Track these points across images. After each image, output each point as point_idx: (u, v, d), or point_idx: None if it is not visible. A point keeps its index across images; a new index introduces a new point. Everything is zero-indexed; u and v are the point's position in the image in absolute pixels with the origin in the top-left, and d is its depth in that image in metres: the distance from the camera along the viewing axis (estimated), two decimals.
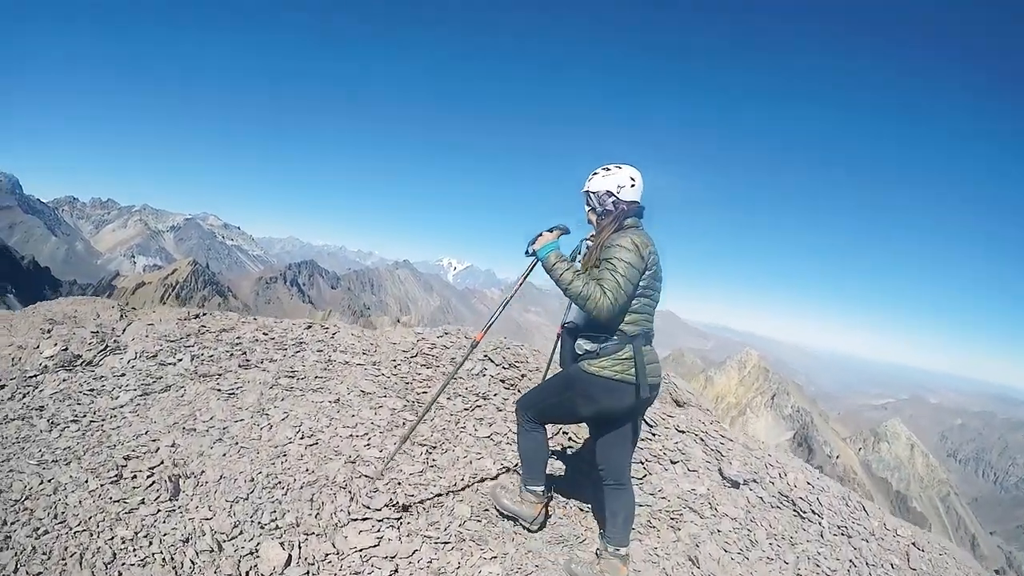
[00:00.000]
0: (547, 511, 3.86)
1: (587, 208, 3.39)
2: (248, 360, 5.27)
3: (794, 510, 4.24)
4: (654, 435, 4.90)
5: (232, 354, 5.36)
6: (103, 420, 3.98)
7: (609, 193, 3.27)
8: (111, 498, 3.13)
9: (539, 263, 3.21)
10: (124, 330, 5.65)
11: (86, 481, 3.23)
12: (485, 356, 5.80)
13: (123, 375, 4.72)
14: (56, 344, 5.01)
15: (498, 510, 3.82)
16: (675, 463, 4.66)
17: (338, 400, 4.72)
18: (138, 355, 5.07)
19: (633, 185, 3.27)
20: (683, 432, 4.99)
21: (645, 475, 4.53)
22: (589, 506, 4.12)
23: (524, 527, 3.74)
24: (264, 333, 5.96)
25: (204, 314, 6.52)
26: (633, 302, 3.12)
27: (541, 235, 3.24)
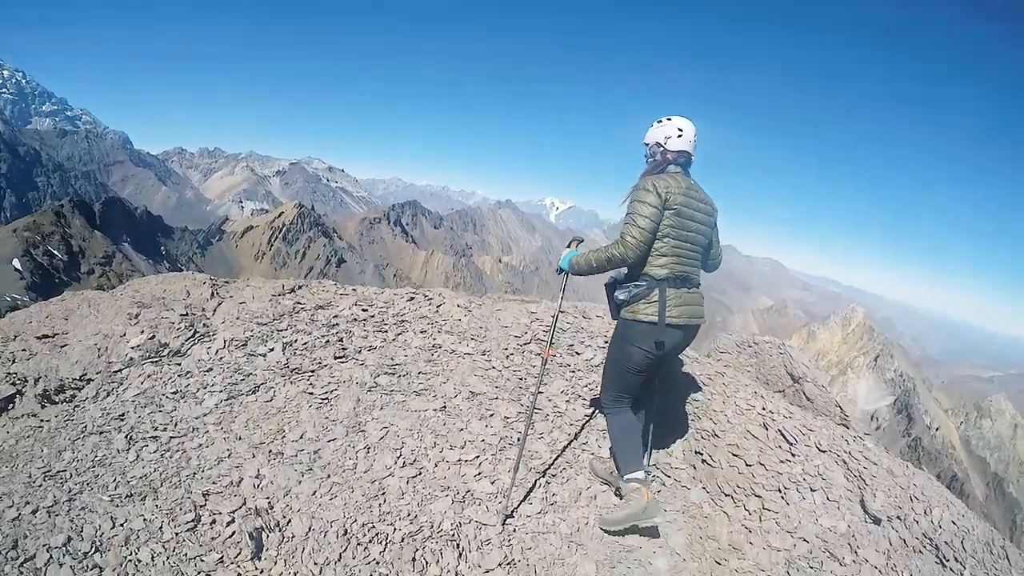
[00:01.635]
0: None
1: (646, 159, 3.48)
2: (344, 349, 4.75)
3: (936, 556, 3.26)
4: (794, 455, 3.98)
5: (328, 340, 4.85)
6: (184, 436, 3.52)
7: (658, 144, 3.36)
8: (186, 554, 2.62)
9: (569, 274, 3.48)
10: (215, 311, 5.26)
11: (160, 528, 2.75)
12: (606, 342, 5.03)
13: (210, 370, 4.29)
14: (143, 332, 4.65)
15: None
16: (814, 491, 3.75)
17: (444, 408, 4.10)
18: (227, 343, 4.65)
19: (680, 135, 3.32)
20: (824, 452, 4.03)
21: (783, 507, 3.68)
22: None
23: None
24: (363, 309, 5.44)
25: (300, 286, 6.08)
26: (661, 245, 3.18)
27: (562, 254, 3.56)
